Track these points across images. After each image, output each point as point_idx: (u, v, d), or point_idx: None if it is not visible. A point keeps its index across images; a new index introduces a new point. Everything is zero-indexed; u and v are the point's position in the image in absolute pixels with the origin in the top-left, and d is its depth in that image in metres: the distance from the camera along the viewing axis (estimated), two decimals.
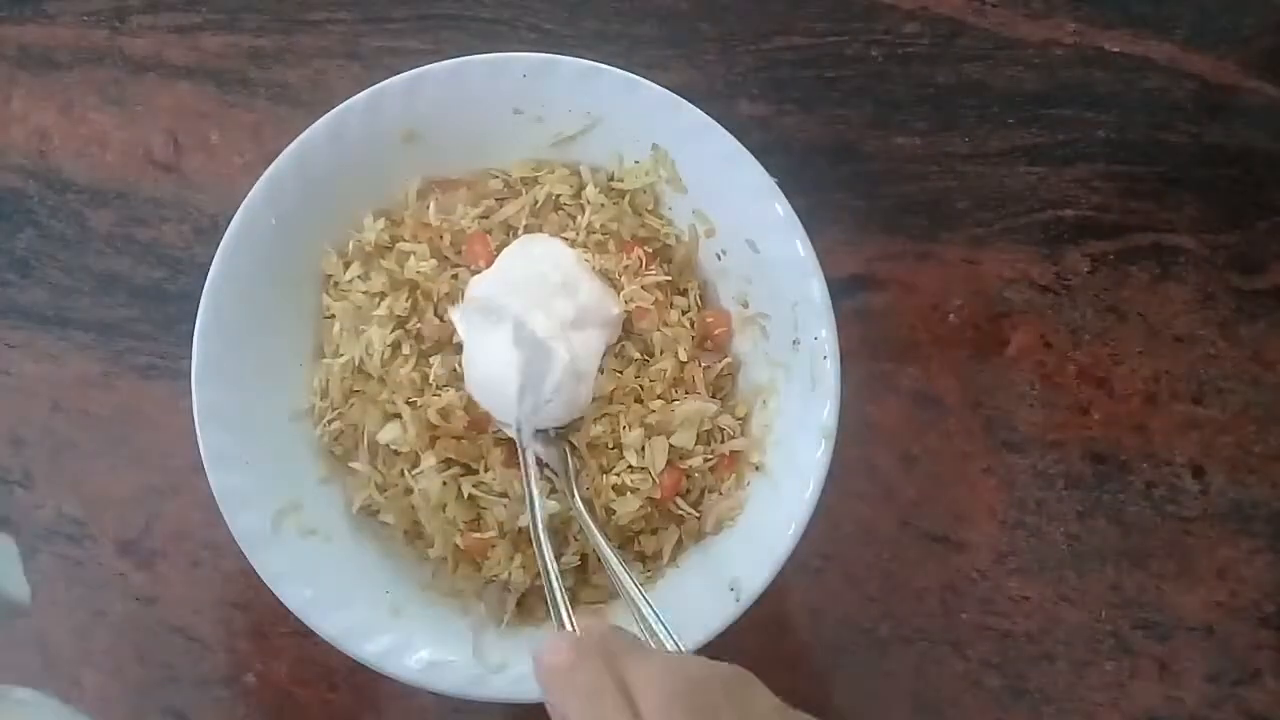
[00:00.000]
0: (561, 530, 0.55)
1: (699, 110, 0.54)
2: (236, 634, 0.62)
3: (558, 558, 0.55)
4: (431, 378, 0.56)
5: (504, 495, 0.54)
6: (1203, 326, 0.64)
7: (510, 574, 0.54)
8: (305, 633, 0.51)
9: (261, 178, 0.53)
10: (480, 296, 0.55)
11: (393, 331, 0.56)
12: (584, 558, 0.56)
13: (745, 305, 0.58)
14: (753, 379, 0.58)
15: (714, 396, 0.58)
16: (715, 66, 0.66)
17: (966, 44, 0.66)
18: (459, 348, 0.56)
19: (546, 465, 0.55)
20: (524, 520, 0.53)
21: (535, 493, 0.51)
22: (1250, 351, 0.63)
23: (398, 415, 0.55)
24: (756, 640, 0.62)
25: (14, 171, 0.67)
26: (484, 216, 0.58)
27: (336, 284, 0.58)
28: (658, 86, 0.54)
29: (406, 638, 0.53)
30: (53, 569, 0.63)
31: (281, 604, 0.51)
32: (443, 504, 0.55)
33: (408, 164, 0.58)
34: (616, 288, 0.57)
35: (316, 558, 0.54)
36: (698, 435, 0.56)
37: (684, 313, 0.58)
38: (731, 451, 0.56)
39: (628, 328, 0.57)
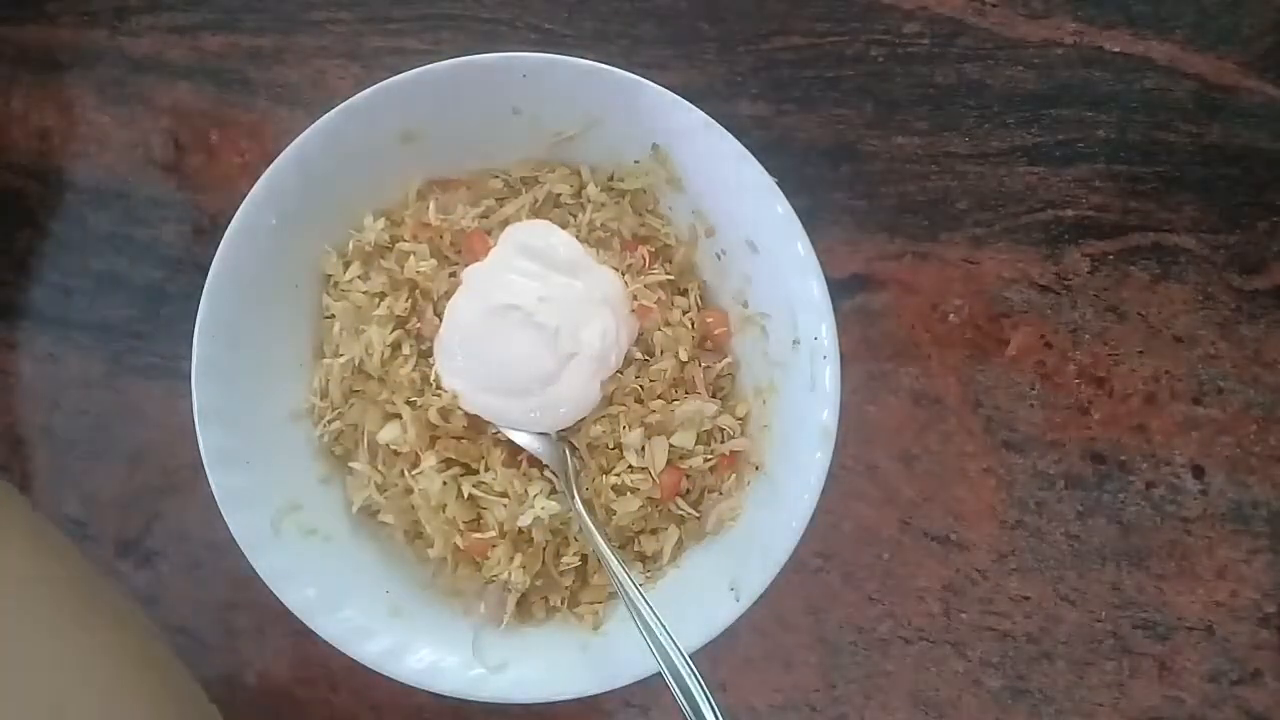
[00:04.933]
0: (561, 530, 0.55)
1: (699, 110, 0.54)
2: (236, 634, 0.62)
3: (558, 557, 0.55)
4: (431, 378, 0.56)
5: (504, 495, 0.54)
6: (1203, 326, 0.64)
7: (510, 574, 0.54)
8: (305, 633, 0.51)
9: (261, 178, 0.53)
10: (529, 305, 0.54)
11: (393, 331, 0.56)
12: (584, 558, 0.56)
13: (745, 305, 0.58)
14: (753, 379, 0.58)
15: (714, 396, 0.58)
16: (715, 66, 0.66)
17: (966, 44, 0.66)
18: None
19: (547, 466, 0.55)
20: (524, 520, 0.54)
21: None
22: (1250, 351, 0.63)
23: (398, 415, 0.55)
24: (756, 640, 0.62)
25: (14, 171, 0.67)
26: (484, 216, 0.58)
27: (336, 284, 0.58)
28: (658, 86, 0.54)
29: (406, 638, 0.53)
30: None
31: (281, 604, 0.51)
32: (443, 504, 0.55)
33: (408, 164, 0.58)
34: None
35: (316, 558, 0.54)
36: (698, 435, 0.56)
37: (684, 313, 0.58)
38: (731, 451, 0.56)
39: None
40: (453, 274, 0.57)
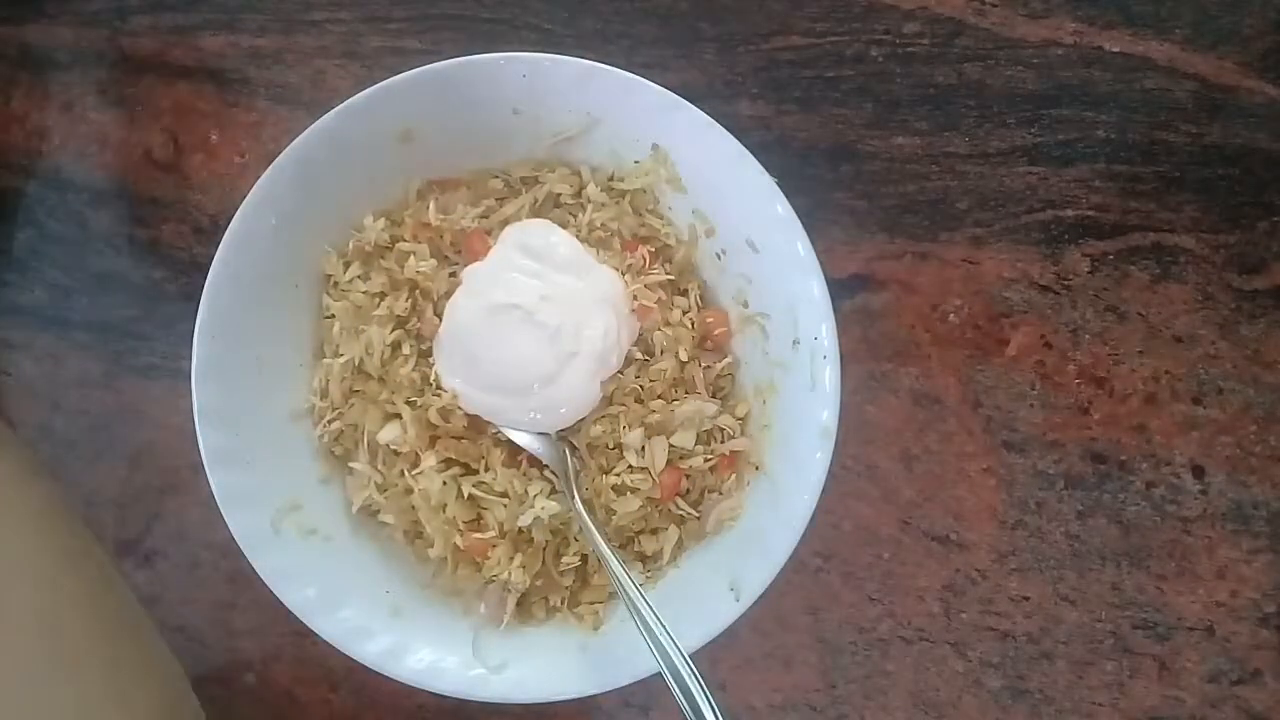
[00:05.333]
0: (561, 530, 0.55)
1: (699, 110, 0.54)
2: (236, 634, 0.62)
3: (558, 557, 0.55)
4: (432, 378, 0.56)
5: (504, 495, 0.55)
6: (1203, 326, 0.64)
7: (510, 574, 0.54)
8: (305, 633, 0.51)
9: (261, 178, 0.53)
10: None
11: (393, 331, 0.56)
12: (584, 558, 0.56)
13: (745, 305, 0.58)
14: (752, 379, 0.58)
15: (714, 396, 0.58)
16: (715, 66, 0.66)
17: (966, 44, 0.66)
18: None
19: (547, 466, 0.55)
20: (524, 520, 0.54)
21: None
22: (1250, 351, 0.63)
23: (398, 415, 0.55)
24: (756, 640, 0.62)
25: (14, 171, 0.67)
26: (484, 216, 0.58)
27: (336, 284, 0.58)
28: (658, 86, 0.54)
29: (406, 638, 0.53)
30: None
31: (281, 604, 0.51)
32: (443, 504, 0.55)
33: (408, 164, 0.58)
34: None
35: (316, 558, 0.54)
36: (698, 435, 0.56)
37: (684, 313, 0.58)
38: (731, 451, 0.56)
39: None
40: (453, 274, 0.57)
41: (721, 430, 0.57)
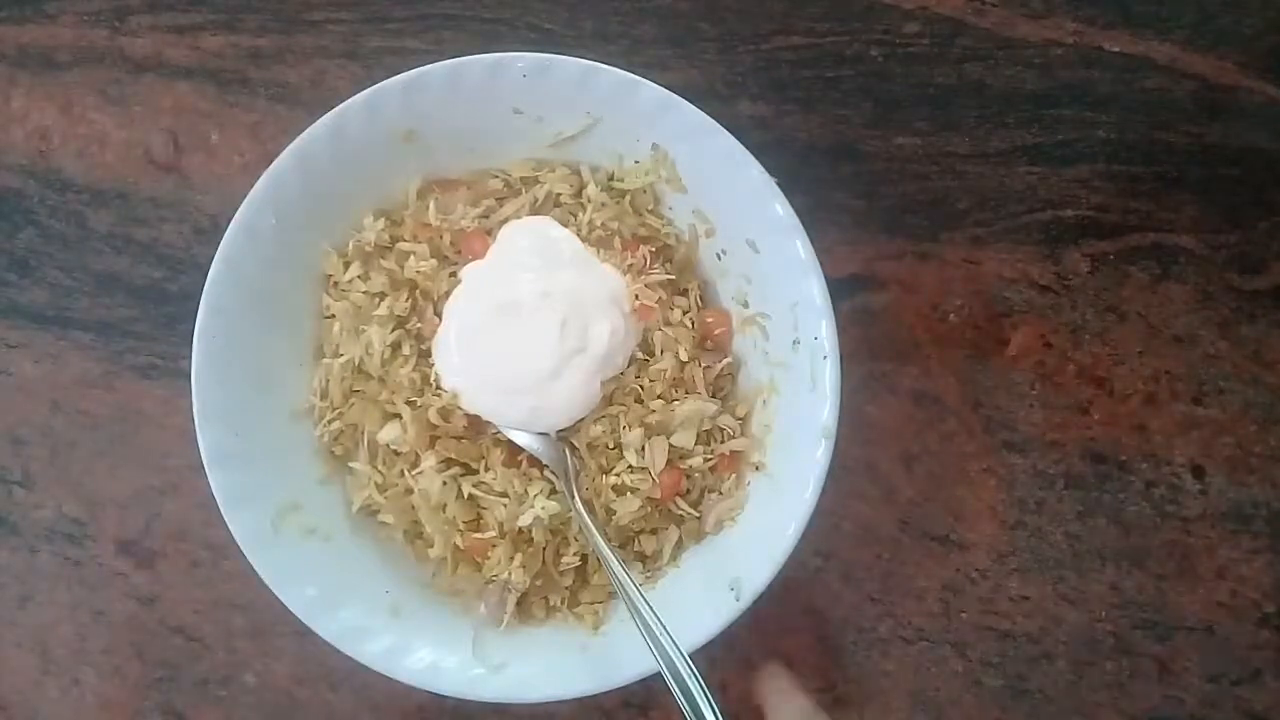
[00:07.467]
0: (561, 530, 0.55)
1: (699, 110, 0.54)
2: (236, 634, 0.62)
3: (558, 557, 0.55)
4: (432, 378, 0.56)
5: (504, 495, 0.54)
6: (1203, 326, 0.64)
7: (510, 574, 0.54)
8: (305, 633, 0.51)
9: (261, 177, 0.53)
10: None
11: (393, 331, 0.56)
12: (584, 558, 0.56)
13: (745, 305, 0.58)
14: (753, 379, 0.58)
15: (714, 396, 0.57)
16: (715, 66, 0.66)
17: (966, 44, 0.66)
18: None
19: (547, 466, 0.55)
20: (524, 520, 0.54)
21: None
22: (1250, 351, 0.63)
23: (398, 415, 0.55)
24: (756, 640, 0.62)
25: (14, 171, 0.67)
26: (484, 216, 0.58)
27: (336, 284, 0.58)
28: (658, 86, 0.54)
29: (406, 638, 0.53)
30: (53, 569, 0.63)
31: (281, 604, 0.51)
32: (443, 504, 0.55)
33: (408, 164, 0.58)
34: None
35: (316, 558, 0.54)
36: (698, 435, 0.56)
37: (684, 312, 0.58)
38: (731, 451, 0.56)
39: None
40: (453, 274, 0.57)
41: (721, 430, 0.57)
